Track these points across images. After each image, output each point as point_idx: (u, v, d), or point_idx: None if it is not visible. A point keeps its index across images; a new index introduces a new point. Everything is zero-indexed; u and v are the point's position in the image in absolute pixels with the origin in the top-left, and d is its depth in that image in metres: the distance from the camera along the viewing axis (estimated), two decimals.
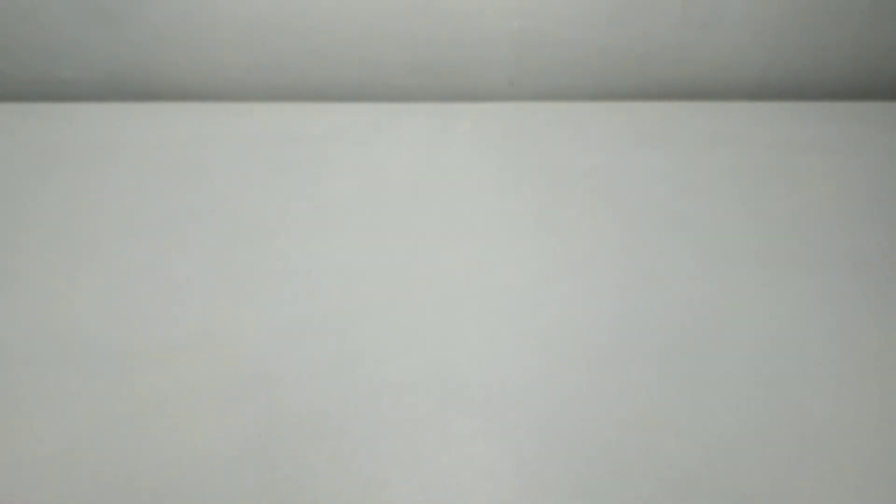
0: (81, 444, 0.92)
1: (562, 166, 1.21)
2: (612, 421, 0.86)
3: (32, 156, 1.23)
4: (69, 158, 1.23)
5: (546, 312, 1.00)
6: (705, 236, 1.11)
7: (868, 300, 1.02)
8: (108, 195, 1.17)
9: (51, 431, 0.93)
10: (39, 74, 1.26)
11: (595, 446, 0.83)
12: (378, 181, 1.19)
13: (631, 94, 1.31)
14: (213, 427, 0.92)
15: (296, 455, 0.87)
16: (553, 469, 0.80)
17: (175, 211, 1.15)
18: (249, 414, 0.92)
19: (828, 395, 0.90)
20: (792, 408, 0.88)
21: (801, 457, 0.83)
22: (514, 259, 1.08)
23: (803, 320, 0.99)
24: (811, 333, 0.98)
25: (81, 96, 1.31)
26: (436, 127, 1.28)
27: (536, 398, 0.89)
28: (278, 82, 1.28)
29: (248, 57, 1.23)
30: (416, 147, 1.25)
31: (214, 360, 0.98)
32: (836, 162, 1.22)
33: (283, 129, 1.27)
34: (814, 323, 0.99)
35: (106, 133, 1.27)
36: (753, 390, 0.90)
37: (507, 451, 0.82)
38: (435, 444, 0.84)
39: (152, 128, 1.27)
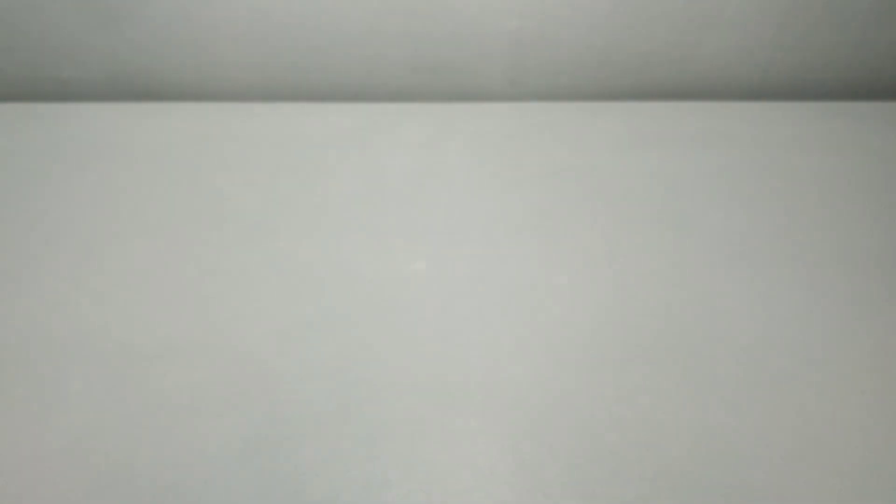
0: (81, 444, 0.92)
1: (562, 166, 1.21)
2: (611, 421, 0.86)
3: (33, 156, 1.23)
4: (69, 158, 1.23)
5: (545, 312, 1.00)
6: (705, 236, 1.11)
7: (867, 300, 1.02)
8: (108, 195, 1.18)
9: (51, 431, 0.93)
10: (39, 74, 1.26)
11: (595, 446, 0.83)
12: (378, 181, 1.19)
13: (631, 94, 1.31)
14: (213, 427, 0.92)
15: (296, 455, 0.87)
16: (553, 469, 0.80)
17: (175, 211, 1.15)
18: (249, 414, 0.92)
19: (826, 395, 0.90)
20: (790, 407, 0.88)
21: (799, 457, 0.83)
22: (514, 259, 1.08)
23: (802, 320, 0.99)
24: (810, 333, 0.98)
25: (81, 96, 1.31)
26: (436, 127, 1.28)
27: (536, 398, 0.89)
28: (278, 82, 1.28)
29: (249, 57, 1.23)
30: (416, 147, 1.25)
31: (214, 360, 0.98)
32: (836, 162, 1.22)
33: (283, 129, 1.27)
34: (813, 323, 0.99)
35: (106, 133, 1.27)
36: (751, 389, 0.90)
37: (507, 451, 0.82)
38: (435, 444, 0.84)
39: (152, 128, 1.27)
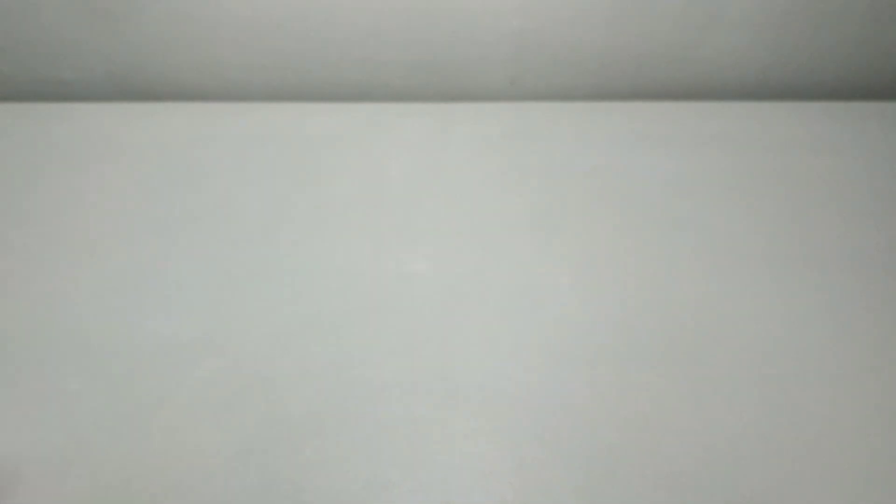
0: (81, 443, 0.92)
1: (562, 166, 1.21)
2: (612, 421, 0.86)
3: (32, 156, 1.23)
4: (69, 158, 1.23)
5: (545, 312, 1.00)
6: (705, 236, 1.11)
7: (868, 300, 1.02)
8: (108, 195, 1.17)
9: (51, 431, 0.93)
10: (39, 74, 1.26)
11: (595, 446, 0.83)
12: (378, 181, 1.19)
13: (631, 94, 1.31)
14: (213, 427, 0.92)
15: (296, 455, 0.87)
16: (553, 469, 0.80)
17: (175, 211, 1.15)
18: (249, 414, 0.92)
19: (828, 395, 0.90)
20: (792, 408, 0.88)
21: (800, 457, 0.83)
22: (514, 259, 1.08)
23: (803, 320, 0.99)
24: (811, 333, 0.98)
25: (81, 96, 1.31)
26: (436, 127, 1.28)
27: (536, 398, 0.89)
28: (278, 82, 1.28)
29: (248, 57, 1.23)
30: (416, 147, 1.25)
31: (214, 360, 0.98)
32: (836, 162, 1.22)
33: (283, 129, 1.27)
34: (814, 323, 0.99)
35: (106, 133, 1.27)
36: (753, 390, 0.90)
37: (507, 451, 0.82)
38: (435, 444, 0.84)
39: (152, 128, 1.27)
